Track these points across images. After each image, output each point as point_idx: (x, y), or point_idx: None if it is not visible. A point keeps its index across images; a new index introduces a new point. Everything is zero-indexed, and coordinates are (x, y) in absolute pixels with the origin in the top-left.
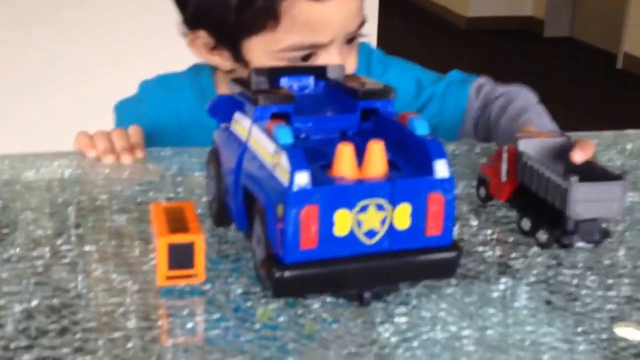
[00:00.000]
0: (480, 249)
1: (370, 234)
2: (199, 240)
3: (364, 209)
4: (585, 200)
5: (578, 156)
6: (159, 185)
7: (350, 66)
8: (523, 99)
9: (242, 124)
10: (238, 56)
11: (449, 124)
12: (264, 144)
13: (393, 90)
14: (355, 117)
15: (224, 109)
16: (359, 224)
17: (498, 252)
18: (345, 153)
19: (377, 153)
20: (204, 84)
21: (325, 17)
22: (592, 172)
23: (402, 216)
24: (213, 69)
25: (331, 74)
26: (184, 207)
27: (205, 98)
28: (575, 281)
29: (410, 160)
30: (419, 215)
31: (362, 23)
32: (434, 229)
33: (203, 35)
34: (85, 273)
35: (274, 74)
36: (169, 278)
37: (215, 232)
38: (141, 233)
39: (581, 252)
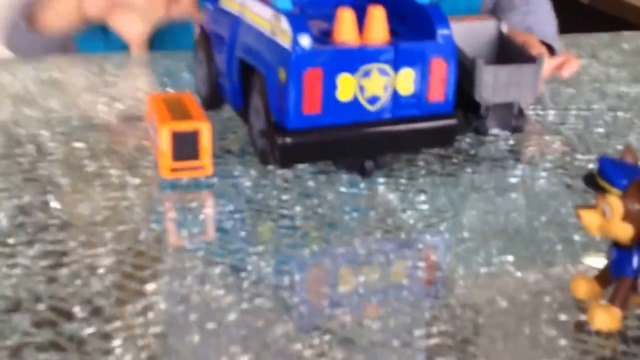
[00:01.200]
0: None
1: (374, 99)
2: (205, 128)
3: (367, 73)
4: (493, 84)
5: (566, 72)
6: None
7: None
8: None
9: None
10: None
11: (466, 6)
12: (260, 12)
13: None
14: None
15: None
16: (361, 89)
17: (511, 140)
18: (345, 17)
19: (377, 18)
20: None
21: None
22: (508, 56)
23: (405, 81)
24: None
25: None
26: (184, 97)
27: None
28: (591, 165)
29: (412, 28)
30: (421, 81)
31: None
32: (436, 95)
33: None
34: (77, 169)
35: None
36: (174, 170)
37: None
38: (133, 129)
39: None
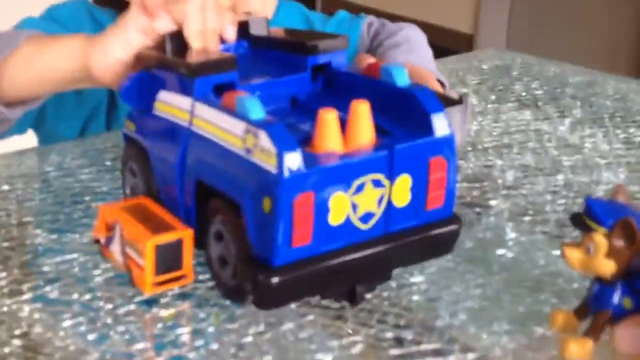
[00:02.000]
0: None
1: (366, 217)
2: (187, 236)
3: (359, 188)
4: None
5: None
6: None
7: (270, 2)
8: (403, 35)
9: (174, 105)
10: None
11: None
12: (223, 125)
13: (346, 38)
14: (306, 77)
15: (141, 90)
16: (354, 207)
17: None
18: (329, 122)
19: (363, 117)
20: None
21: None
22: None
23: (402, 191)
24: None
25: (254, 30)
26: (144, 202)
27: None
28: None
29: (397, 119)
30: (419, 188)
31: None
32: (436, 201)
33: None
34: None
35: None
36: (157, 285)
37: None
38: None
39: None
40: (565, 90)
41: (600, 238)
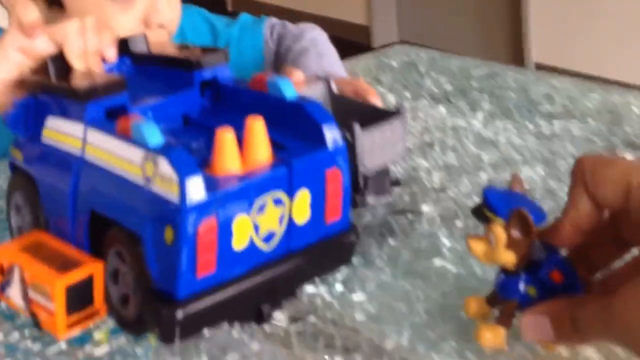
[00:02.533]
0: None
1: (269, 237)
2: (98, 270)
3: (261, 208)
4: (371, 149)
5: (376, 100)
6: None
7: (176, 9)
8: (309, 38)
9: (64, 132)
10: None
11: (249, 69)
12: (119, 152)
13: (226, 52)
14: (195, 95)
15: (28, 117)
16: (256, 228)
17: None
18: (227, 142)
19: (259, 133)
20: None
21: None
22: (354, 115)
23: (302, 207)
24: None
25: (134, 47)
26: (39, 238)
27: None
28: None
29: (289, 133)
30: (318, 201)
31: None
32: (334, 213)
33: None
34: None
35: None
36: (71, 325)
37: None
38: None
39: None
40: (471, 84)
41: (498, 229)
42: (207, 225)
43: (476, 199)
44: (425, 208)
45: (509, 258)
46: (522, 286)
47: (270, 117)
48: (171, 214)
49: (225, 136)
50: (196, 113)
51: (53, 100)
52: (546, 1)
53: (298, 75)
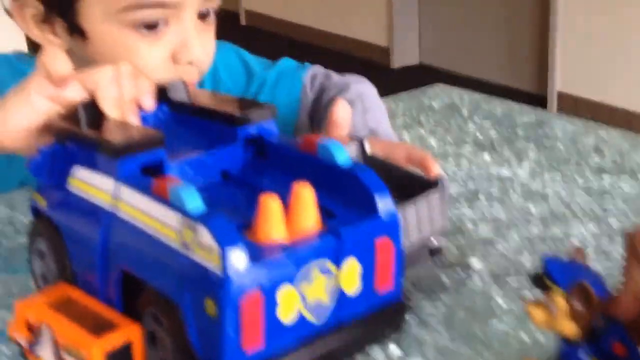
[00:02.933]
0: None
1: (317, 308)
2: (137, 335)
3: (306, 277)
4: (408, 224)
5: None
6: None
7: (209, 51)
8: (355, 91)
9: (93, 184)
10: (73, 26)
11: (282, 117)
12: (155, 214)
13: (274, 108)
14: (238, 150)
15: (53, 165)
16: (303, 299)
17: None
18: (273, 210)
19: (307, 201)
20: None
21: None
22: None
23: (351, 277)
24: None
25: (173, 94)
26: (68, 292)
27: None
28: None
29: (338, 199)
30: (368, 271)
31: None
32: (385, 283)
33: (30, 2)
34: None
35: None
36: None
37: None
38: None
39: None
40: (517, 132)
41: (560, 300)
42: (251, 298)
43: (527, 255)
44: (475, 263)
45: (571, 328)
46: (583, 356)
47: (319, 181)
48: (212, 285)
49: (271, 204)
50: (236, 169)
51: (83, 150)
52: (573, 29)
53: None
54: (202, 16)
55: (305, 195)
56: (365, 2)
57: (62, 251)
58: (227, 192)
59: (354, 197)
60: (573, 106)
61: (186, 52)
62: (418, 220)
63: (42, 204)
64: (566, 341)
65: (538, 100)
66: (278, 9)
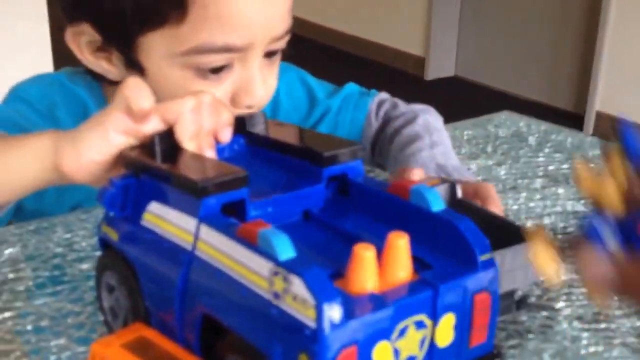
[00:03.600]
0: None
1: None
2: None
3: (402, 333)
4: (502, 276)
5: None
6: None
7: (271, 87)
8: (422, 123)
9: (173, 222)
10: (131, 60)
11: None
12: (240, 258)
13: (361, 149)
14: (321, 190)
15: (127, 198)
16: (396, 353)
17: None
18: (368, 261)
19: (402, 252)
20: (84, 100)
21: (242, 12)
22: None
23: (445, 330)
24: (97, 79)
25: (251, 126)
26: (145, 335)
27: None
28: None
29: (433, 249)
30: (463, 325)
31: (288, 30)
32: (479, 337)
33: (87, 30)
34: None
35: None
36: None
37: None
38: None
39: None
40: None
41: (618, 165)
42: (347, 354)
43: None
44: (560, 306)
45: (614, 198)
46: (604, 231)
47: (409, 227)
48: (307, 340)
49: (366, 255)
50: (318, 208)
51: (160, 185)
52: (619, 49)
53: (418, 175)
54: (269, 54)
55: (401, 246)
56: (403, 11)
57: (134, 286)
58: (309, 233)
59: (451, 247)
60: (610, 126)
61: (247, 96)
62: (509, 271)
63: (113, 236)
64: (597, 212)
65: (575, 119)
66: (311, 12)
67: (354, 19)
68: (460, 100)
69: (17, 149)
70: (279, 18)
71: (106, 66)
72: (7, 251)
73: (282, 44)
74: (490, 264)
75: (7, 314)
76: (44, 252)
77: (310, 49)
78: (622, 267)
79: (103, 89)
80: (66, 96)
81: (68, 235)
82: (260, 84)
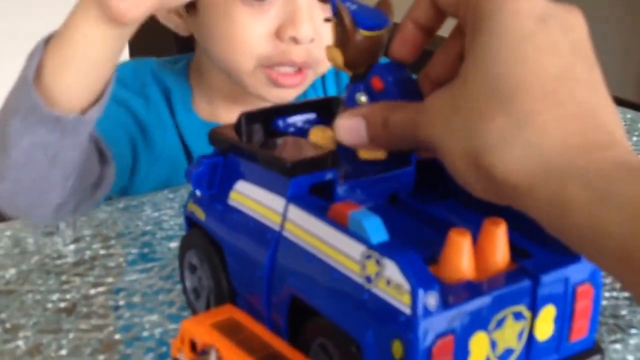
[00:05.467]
0: None
1: (506, 355)
2: None
3: (499, 323)
4: None
5: None
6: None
7: (320, 32)
8: None
9: (260, 202)
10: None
11: None
12: (329, 240)
13: None
14: (410, 173)
15: (214, 176)
16: (493, 345)
17: None
18: (464, 248)
19: (500, 240)
20: (169, 86)
21: None
22: None
23: (545, 323)
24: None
25: (336, 108)
26: (232, 314)
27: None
28: None
29: (530, 236)
30: (563, 318)
31: None
32: (580, 331)
33: None
34: None
35: (267, 116)
36: None
37: None
38: None
39: None
40: None
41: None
42: (444, 344)
43: None
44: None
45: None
46: (356, 94)
47: (503, 213)
48: (402, 327)
49: (462, 241)
50: (406, 192)
51: (247, 164)
52: None
53: None
54: None
55: (499, 233)
56: None
57: (219, 266)
58: (397, 217)
59: (550, 236)
60: None
61: (291, 27)
62: None
63: (200, 215)
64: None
65: None
66: None
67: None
68: None
69: (67, 26)
70: None
71: (176, 19)
72: (98, 227)
73: None
74: None
75: (100, 289)
76: (133, 230)
77: None
78: (365, 114)
79: (189, 78)
80: (154, 82)
81: (156, 214)
82: (306, 17)
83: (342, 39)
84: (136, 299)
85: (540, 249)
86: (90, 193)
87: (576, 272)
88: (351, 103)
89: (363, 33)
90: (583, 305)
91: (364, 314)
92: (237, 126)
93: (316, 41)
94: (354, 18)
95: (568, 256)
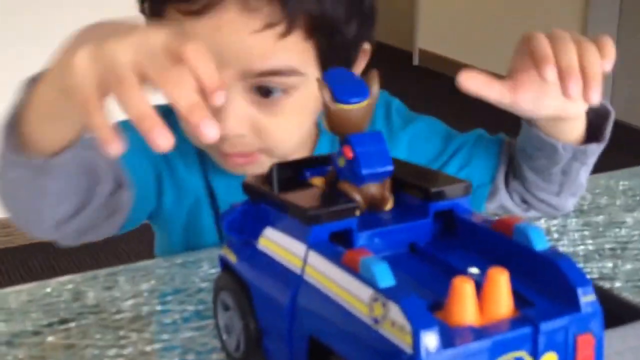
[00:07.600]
0: None
1: None
2: None
3: None
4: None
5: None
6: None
7: (269, 130)
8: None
9: (284, 247)
10: None
11: (477, 179)
12: (342, 283)
13: (469, 186)
14: (428, 224)
15: (245, 222)
16: None
17: None
18: (467, 295)
19: (502, 287)
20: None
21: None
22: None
23: None
24: None
25: None
26: None
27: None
28: None
29: (535, 287)
30: None
31: (278, 72)
32: None
33: None
34: None
35: (297, 166)
36: None
37: None
38: None
39: None
40: None
41: None
42: None
43: None
44: None
45: None
46: (338, 158)
47: (512, 264)
48: None
49: (465, 287)
50: (424, 241)
51: (275, 212)
52: None
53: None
54: (261, 90)
55: (502, 281)
56: None
57: (247, 307)
58: (414, 266)
59: (552, 286)
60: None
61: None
62: (617, 354)
63: (232, 258)
64: None
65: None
66: (454, 50)
67: (495, 55)
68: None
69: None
70: (255, 50)
71: None
72: (156, 283)
73: (277, 83)
74: (592, 304)
75: (156, 346)
76: (189, 286)
77: (447, 87)
78: None
79: None
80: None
81: (213, 271)
82: (230, 112)
83: (325, 110)
84: (190, 357)
85: (542, 299)
86: (104, 216)
87: (576, 321)
88: (335, 165)
89: (339, 106)
90: (585, 354)
91: (372, 353)
92: (268, 176)
93: (260, 132)
94: (332, 92)
95: (569, 307)
